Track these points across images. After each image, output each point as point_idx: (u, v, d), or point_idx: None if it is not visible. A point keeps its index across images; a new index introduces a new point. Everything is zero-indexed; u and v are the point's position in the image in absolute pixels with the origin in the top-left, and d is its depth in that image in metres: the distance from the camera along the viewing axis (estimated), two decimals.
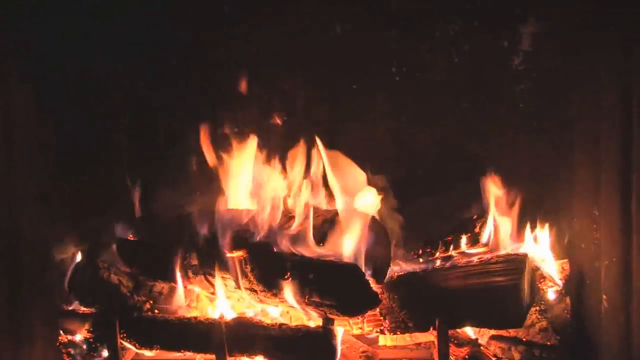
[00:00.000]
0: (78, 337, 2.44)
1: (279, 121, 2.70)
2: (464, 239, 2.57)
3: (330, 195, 2.55)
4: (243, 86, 2.67)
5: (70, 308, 2.52)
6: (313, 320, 2.33)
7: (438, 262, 2.54)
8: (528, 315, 2.36)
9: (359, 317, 2.37)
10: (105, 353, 2.36)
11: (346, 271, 2.27)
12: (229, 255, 2.34)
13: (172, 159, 2.77)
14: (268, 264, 2.31)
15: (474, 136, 2.68)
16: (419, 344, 2.49)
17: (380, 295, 2.29)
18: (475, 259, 2.39)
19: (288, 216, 2.47)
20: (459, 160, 2.70)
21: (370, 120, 2.71)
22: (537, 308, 2.43)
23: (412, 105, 2.70)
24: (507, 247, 2.52)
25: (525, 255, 2.34)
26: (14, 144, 2.19)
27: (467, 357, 2.37)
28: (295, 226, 2.40)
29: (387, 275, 2.41)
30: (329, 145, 2.60)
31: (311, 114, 2.69)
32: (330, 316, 2.24)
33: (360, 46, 2.66)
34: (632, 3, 2.14)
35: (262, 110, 2.72)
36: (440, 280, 2.34)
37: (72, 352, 2.43)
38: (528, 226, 2.55)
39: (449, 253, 2.57)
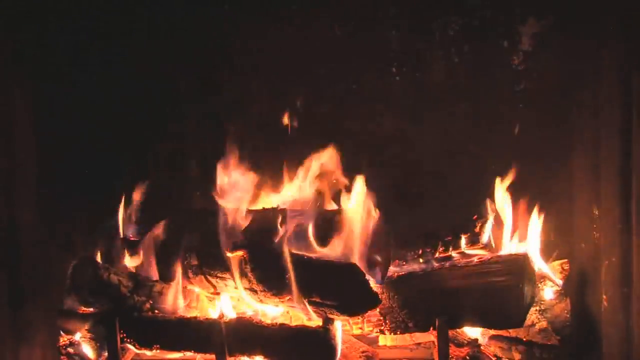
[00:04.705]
0: (78, 337, 2.44)
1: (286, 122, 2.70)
2: (464, 239, 2.57)
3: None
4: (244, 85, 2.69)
5: (70, 308, 2.51)
6: (313, 320, 2.33)
7: (438, 262, 2.54)
8: (528, 315, 2.36)
9: (359, 317, 2.37)
10: (105, 353, 2.36)
11: (346, 271, 2.27)
12: (229, 255, 2.34)
13: (173, 158, 2.77)
14: (268, 264, 2.31)
15: (474, 136, 2.68)
16: (419, 344, 2.49)
17: (380, 295, 2.29)
18: (475, 259, 2.39)
19: (288, 216, 2.47)
20: (459, 160, 2.70)
21: (370, 120, 2.71)
22: (537, 308, 2.43)
23: (412, 105, 2.70)
24: (507, 247, 2.52)
25: (525, 255, 2.34)
26: (15, 143, 2.19)
27: (467, 357, 2.37)
28: (295, 226, 2.40)
29: (387, 275, 2.41)
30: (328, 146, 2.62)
31: (311, 113, 2.68)
32: (331, 316, 2.24)
33: (359, 46, 2.67)
34: (633, 3, 2.14)
35: (261, 110, 2.73)
36: (441, 280, 2.34)
37: (72, 352, 2.43)
38: (528, 226, 2.55)
39: (449, 253, 2.57)
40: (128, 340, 2.33)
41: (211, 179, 2.60)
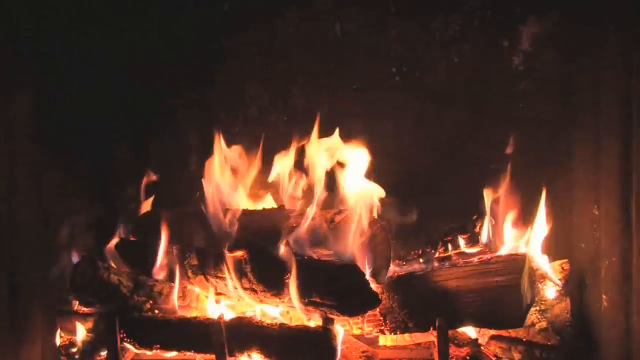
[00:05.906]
0: (78, 337, 2.44)
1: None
2: (463, 239, 2.57)
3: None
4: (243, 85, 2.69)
5: (70, 308, 2.52)
6: (313, 320, 2.33)
7: (438, 262, 2.54)
8: (528, 315, 2.36)
9: (359, 317, 2.37)
10: (105, 353, 2.36)
11: (346, 271, 2.27)
12: (229, 255, 2.33)
13: (173, 158, 2.77)
14: (268, 264, 2.31)
15: (474, 136, 2.68)
16: (419, 344, 2.49)
17: (380, 295, 2.29)
18: (475, 259, 2.39)
19: (288, 216, 2.47)
20: (459, 160, 2.70)
21: (370, 119, 2.71)
22: (537, 308, 2.43)
23: (412, 105, 2.70)
24: (507, 247, 2.52)
25: (525, 255, 2.34)
26: (15, 143, 2.19)
27: (467, 357, 2.37)
28: (295, 226, 2.40)
29: (387, 275, 2.41)
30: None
31: (312, 113, 2.69)
32: (331, 316, 2.24)
33: (360, 46, 2.67)
34: (632, 3, 2.14)
35: (262, 109, 2.73)
36: (440, 280, 2.34)
37: (72, 352, 2.44)
38: (528, 226, 2.55)
39: (449, 253, 2.57)
40: (128, 340, 2.33)
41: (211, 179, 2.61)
